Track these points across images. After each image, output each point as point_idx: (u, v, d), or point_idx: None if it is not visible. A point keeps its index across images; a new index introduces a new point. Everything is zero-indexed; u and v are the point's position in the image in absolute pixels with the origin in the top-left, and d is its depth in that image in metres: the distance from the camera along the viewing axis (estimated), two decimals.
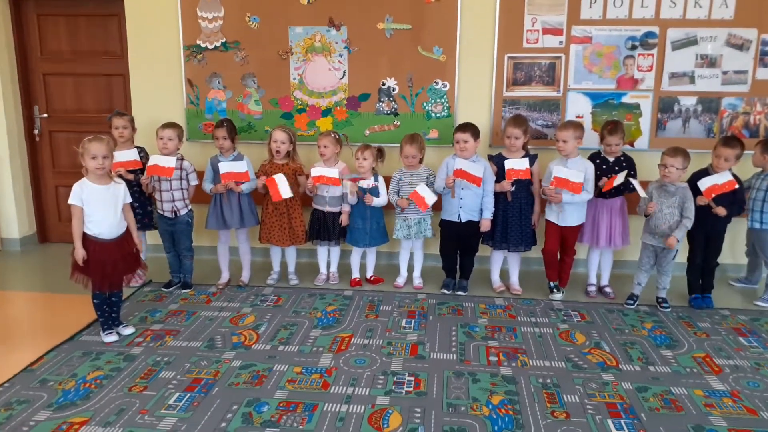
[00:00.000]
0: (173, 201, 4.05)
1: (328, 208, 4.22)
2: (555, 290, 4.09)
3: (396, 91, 4.52)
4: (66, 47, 5.00)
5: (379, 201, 4.11)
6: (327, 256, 4.42)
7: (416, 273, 4.33)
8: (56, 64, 5.04)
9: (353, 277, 4.35)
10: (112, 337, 3.43)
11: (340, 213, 4.22)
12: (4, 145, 4.96)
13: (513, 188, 3.96)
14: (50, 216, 5.36)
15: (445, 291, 4.15)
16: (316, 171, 4.05)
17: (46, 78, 5.09)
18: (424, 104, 4.51)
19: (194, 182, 4.09)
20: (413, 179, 4.09)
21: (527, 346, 3.37)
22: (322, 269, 4.43)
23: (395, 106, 4.54)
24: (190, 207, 4.13)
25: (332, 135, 4.17)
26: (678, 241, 3.72)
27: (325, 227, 4.23)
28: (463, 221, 4.02)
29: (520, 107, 4.47)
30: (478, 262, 4.32)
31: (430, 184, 4.08)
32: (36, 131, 5.15)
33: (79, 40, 4.98)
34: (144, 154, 4.20)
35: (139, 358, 3.20)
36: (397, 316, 3.77)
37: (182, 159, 4.07)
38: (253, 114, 4.67)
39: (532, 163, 3.98)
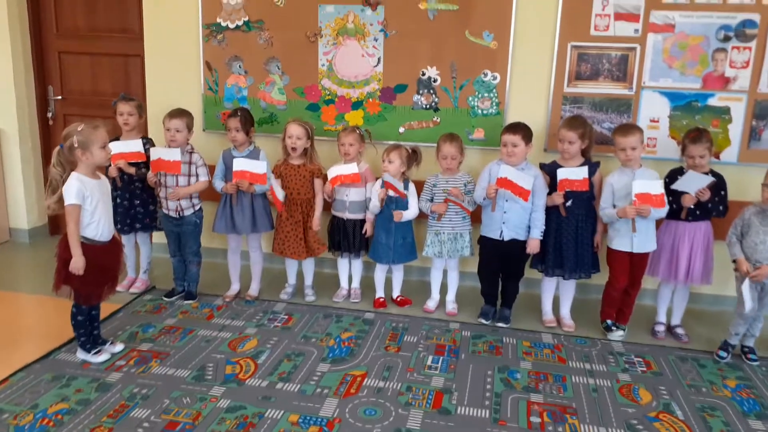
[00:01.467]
0: (178, 198, 3.57)
1: (348, 215, 3.66)
2: (614, 328, 3.41)
3: (437, 83, 3.90)
4: (83, 23, 4.59)
5: (409, 214, 3.53)
6: (348, 269, 3.87)
7: (450, 296, 3.73)
8: (72, 41, 4.64)
9: (377, 296, 3.79)
10: (102, 356, 2.99)
11: (363, 221, 3.66)
12: (13, 126, 4.60)
13: (567, 202, 3.30)
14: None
15: (483, 321, 3.54)
16: (332, 171, 3.50)
17: (62, 57, 4.70)
18: (470, 99, 3.88)
19: (204, 178, 3.59)
20: (449, 186, 3.48)
21: (578, 404, 2.73)
22: (343, 284, 3.88)
23: (436, 99, 3.93)
24: (198, 206, 3.64)
25: (357, 131, 3.60)
26: None
27: (345, 237, 3.68)
28: (506, 239, 3.39)
29: (583, 106, 3.78)
30: (524, 285, 3.68)
31: (467, 193, 3.47)
32: (49, 114, 4.78)
33: (96, 16, 4.55)
34: (150, 146, 3.73)
35: (114, 388, 2.74)
36: (422, 350, 3.19)
37: (192, 151, 3.58)
38: (277, 104, 4.15)
39: (592, 172, 3.31)
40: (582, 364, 3.10)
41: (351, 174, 3.46)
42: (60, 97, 4.74)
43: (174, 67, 4.25)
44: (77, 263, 2.77)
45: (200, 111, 4.24)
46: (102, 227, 2.85)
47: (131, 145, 3.61)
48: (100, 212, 2.83)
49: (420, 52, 3.89)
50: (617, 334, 3.39)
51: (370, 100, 4.01)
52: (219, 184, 3.60)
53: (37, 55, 4.67)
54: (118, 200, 3.71)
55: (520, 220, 3.36)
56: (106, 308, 3.43)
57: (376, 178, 3.60)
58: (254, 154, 3.62)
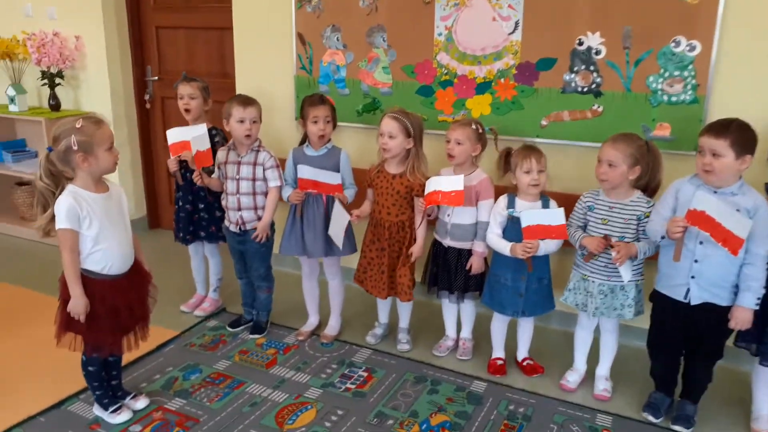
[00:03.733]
0: (239, 209, 2.79)
1: (449, 242, 2.64)
2: None
3: (601, 56, 2.69)
4: None
5: (548, 247, 2.41)
6: (456, 312, 2.84)
7: (602, 370, 2.56)
8: (169, 14, 4.07)
9: (494, 355, 2.72)
10: (121, 417, 2.33)
11: (469, 251, 2.61)
12: (106, 110, 4.15)
13: None
14: (162, 197, 4.53)
15: (651, 417, 2.34)
16: (431, 183, 2.49)
17: (159, 33, 4.17)
18: (650, 79, 2.62)
19: (274, 183, 2.78)
20: (614, 214, 2.31)
21: None
22: (448, 331, 2.88)
23: (598, 79, 2.72)
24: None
25: (471, 125, 2.55)
26: None
27: (445, 270, 2.67)
28: (694, 303, 2.15)
29: None
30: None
31: (639, 227, 2.27)
32: (147, 96, 4.29)
33: None
34: (220, 139, 2.99)
35: None
36: None
37: (260, 148, 2.78)
38: (380, 86, 3.20)
39: None
40: None
41: (451, 192, 2.42)
42: (156, 78, 4.22)
43: (264, 41, 3.48)
44: (76, 306, 2.08)
45: (292, 96, 3.43)
46: (111, 256, 2.14)
47: (190, 132, 2.87)
48: (107, 237, 2.12)
49: (576, 12, 2.70)
50: None
51: (502, 80, 2.90)
52: (287, 192, 2.76)
53: (134, 31, 4.17)
54: (180, 203, 3.06)
55: (722, 276, 2.10)
56: (159, 335, 2.81)
57: (506, 194, 2.53)
58: (333, 155, 2.73)
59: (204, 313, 3.18)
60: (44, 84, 4.08)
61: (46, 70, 4.03)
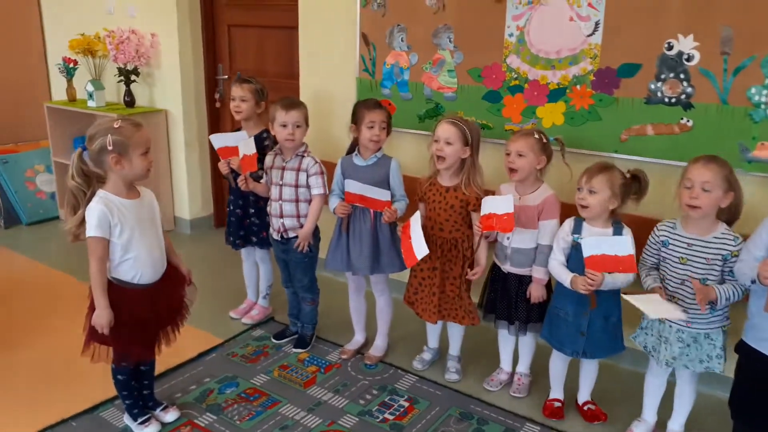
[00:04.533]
0: (281, 216, 2.67)
1: (509, 267, 2.37)
2: None
3: (694, 62, 2.33)
4: None
5: (616, 281, 2.11)
6: (513, 344, 2.58)
7: (675, 425, 2.22)
8: (242, 12, 4.03)
9: (551, 396, 2.44)
10: (151, 429, 2.28)
11: (529, 278, 2.34)
12: (177, 108, 4.19)
13: None
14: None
15: None
16: (487, 204, 2.24)
17: (231, 31, 4.14)
18: (752, 91, 2.24)
19: (318, 191, 2.63)
20: (694, 252, 1.98)
21: None
22: (503, 364, 2.62)
23: (688, 89, 2.36)
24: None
25: (534, 135, 2.28)
26: None
27: (504, 297, 2.41)
28: None
29: None
30: None
31: (725, 269, 1.93)
32: (217, 95, 4.28)
33: None
34: (270, 143, 2.88)
35: None
36: None
37: (305, 153, 2.65)
38: (444, 90, 2.98)
39: None
40: None
41: (503, 216, 2.17)
42: (227, 77, 4.20)
43: (328, 41, 3.35)
44: (100, 318, 2.02)
45: (353, 99, 3.25)
46: (142, 266, 2.06)
47: (234, 137, 2.78)
48: (137, 245, 2.04)
49: (666, 11, 2.35)
50: None
51: (578, 87, 2.60)
52: (333, 202, 2.60)
53: (207, 29, 4.16)
54: (231, 207, 3.00)
55: None
56: (204, 341, 2.74)
57: (572, 217, 2.25)
58: (382, 164, 2.54)
59: (251, 321, 3.10)
60: (120, 80, 4.15)
61: (122, 66, 4.10)
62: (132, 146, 1.98)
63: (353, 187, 2.44)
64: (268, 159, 2.70)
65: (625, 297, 2.02)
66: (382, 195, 2.39)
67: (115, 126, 1.97)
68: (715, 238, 1.97)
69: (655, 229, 2.11)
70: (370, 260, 2.54)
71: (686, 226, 2.02)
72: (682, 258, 2.01)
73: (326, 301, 2.97)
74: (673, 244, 2.03)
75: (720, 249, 1.95)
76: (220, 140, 2.77)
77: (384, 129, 2.55)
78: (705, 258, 1.96)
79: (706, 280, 1.96)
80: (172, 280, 2.21)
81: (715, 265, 1.96)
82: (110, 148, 1.96)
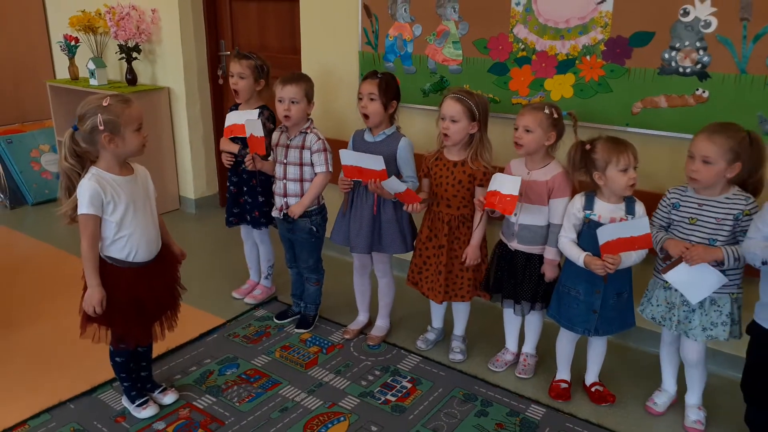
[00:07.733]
0: (284, 195, 2.60)
1: (516, 245, 2.29)
2: None
3: (711, 29, 2.21)
4: None
5: (630, 258, 2.03)
6: (519, 323, 2.51)
7: (693, 398, 2.15)
8: None
9: (557, 377, 2.37)
10: (147, 411, 2.23)
11: (540, 257, 2.26)
12: (180, 85, 4.11)
13: None
14: None
15: None
16: (495, 181, 2.15)
17: (233, 5, 4.04)
18: None
19: (320, 168, 2.54)
20: (705, 212, 1.90)
21: None
22: (509, 344, 2.55)
23: (705, 59, 2.24)
24: (315, 207, 2.62)
25: (544, 110, 2.17)
26: None
27: (511, 276, 2.33)
28: None
29: None
30: None
31: (736, 229, 1.85)
32: (220, 72, 4.20)
33: None
34: (266, 120, 2.79)
35: None
36: None
37: (310, 128, 2.56)
38: (449, 63, 2.87)
39: None
40: None
41: (507, 196, 2.08)
42: (229, 53, 4.11)
43: (329, 14, 3.24)
44: (91, 297, 1.97)
45: (356, 73, 3.18)
46: (136, 243, 2.01)
47: (245, 116, 2.70)
48: (131, 222, 1.99)
49: None
50: None
51: (588, 57, 2.49)
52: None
53: (208, 4, 4.07)
54: (228, 184, 2.93)
55: None
56: (205, 322, 2.71)
57: (583, 192, 2.16)
58: (390, 142, 2.45)
59: (254, 301, 3.05)
60: (122, 58, 4.08)
61: (123, 44, 4.03)
62: (123, 124, 1.92)
63: (347, 157, 2.35)
64: (275, 135, 2.63)
65: (667, 277, 1.95)
66: (377, 163, 2.29)
67: (104, 104, 1.90)
68: (727, 198, 1.92)
69: (666, 192, 2.06)
70: (369, 239, 2.47)
71: (697, 191, 1.95)
72: (692, 218, 1.95)
73: (330, 281, 2.93)
74: (684, 206, 1.99)
75: (731, 208, 1.90)
76: (233, 118, 2.69)
77: (373, 101, 2.42)
78: (715, 218, 1.91)
79: (714, 242, 1.90)
80: (166, 259, 2.16)
81: (725, 225, 1.89)
82: (101, 127, 1.89)
